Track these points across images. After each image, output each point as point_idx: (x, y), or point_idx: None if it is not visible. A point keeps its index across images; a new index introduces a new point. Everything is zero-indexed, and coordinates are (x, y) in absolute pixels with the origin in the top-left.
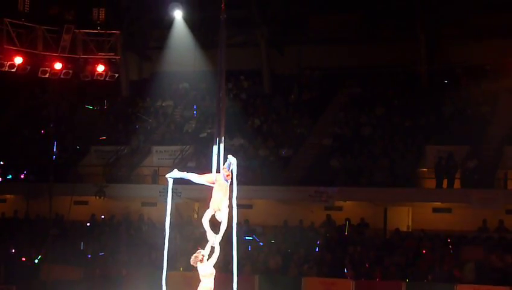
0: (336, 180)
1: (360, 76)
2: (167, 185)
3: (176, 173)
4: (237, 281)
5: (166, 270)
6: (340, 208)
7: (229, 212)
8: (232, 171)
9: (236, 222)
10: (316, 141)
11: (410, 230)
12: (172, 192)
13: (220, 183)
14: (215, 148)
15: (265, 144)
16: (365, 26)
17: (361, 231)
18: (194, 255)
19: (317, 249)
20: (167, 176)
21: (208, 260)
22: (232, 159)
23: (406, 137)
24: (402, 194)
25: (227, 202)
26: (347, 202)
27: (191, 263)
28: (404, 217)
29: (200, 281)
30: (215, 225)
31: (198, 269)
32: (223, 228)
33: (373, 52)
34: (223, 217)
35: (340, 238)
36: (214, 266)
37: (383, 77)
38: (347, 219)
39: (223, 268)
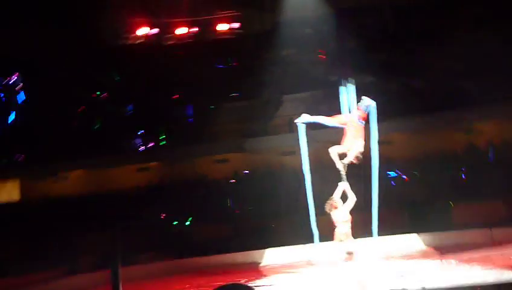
0: (472, 101)
1: None
2: (300, 131)
3: (305, 117)
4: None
5: (312, 215)
6: (480, 131)
7: (362, 152)
8: (368, 112)
9: (376, 160)
10: (445, 66)
11: None
12: (308, 138)
13: (354, 124)
14: (342, 89)
15: (394, 77)
16: None
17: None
18: (328, 202)
19: (463, 176)
20: (296, 121)
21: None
22: (368, 101)
23: None
24: None
25: (362, 142)
26: (487, 122)
27: (326, 210)
28: None
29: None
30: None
31: (332, 215)
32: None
33: None
34: (353, 157)
35: (485, 162)
36: (349, 212)
37: None
38: (489, 142)
39: (364, 208)
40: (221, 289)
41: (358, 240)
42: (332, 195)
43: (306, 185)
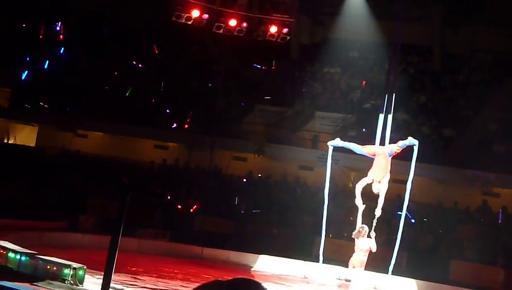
0: (497, 166)
1: None
2: (327, 152)
3: (338, 142)
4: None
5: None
6: (497, 195)
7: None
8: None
9: (407, 200)
10: (480, 125)
11: None
12: (331, 159)
13: (385, 157)
14: (380, 120)
15: (428, 121)
16: None
17: None
18: (358, 229)
19: (469, 234)
20: (329, 143)
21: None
22: (414, 141)
23: None
24: None
25: (388, 176)
26: (505, 189)
27: (353, 236)
28: None
29: (354, 252)
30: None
31: (356, 242)
32: (381, 201)
33: None
34: (381, 190)
35: (494, 225)
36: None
37: None
38: (503, 207)
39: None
40: (236, 282)
41: (367, 272)
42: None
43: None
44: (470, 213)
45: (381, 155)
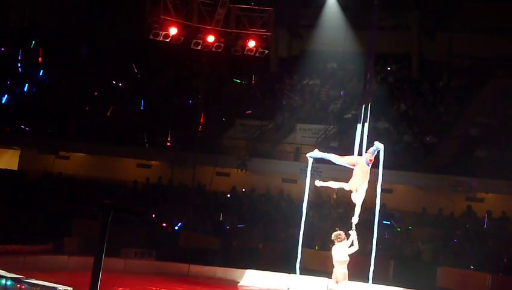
0: (480, 171)
1: None
2: (309, 165)
3: (316, 153)
4: (373, 264)
5: (302, 247)
6: (481, 200)
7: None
8: (378, 156)
9: (378, 206)
10: (461, 130)
11: None
12: (313, 171)
13: (362, 167)
14: (358, 130)
15: (410, 129)
16: None
17: (501, 225)
18: (337, 232)
19: (455, 240)
20: (308, 155)
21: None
22: (379, 146)
23: None
24: None
25: (366, 186)
26: (489, 194)
27: (332, 237)
28: None
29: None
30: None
31: (333, 253)
32: (357, 209)
33: None
34: (358, 199)
35: (480, 230)
36: (349, 255)
37: None
38: (488, 212)
39: (360, 251)
40: None
41: (351, 283)
42: (331, 230)
43: (301, 217)
44: (454, 219)
45: (359, 165)
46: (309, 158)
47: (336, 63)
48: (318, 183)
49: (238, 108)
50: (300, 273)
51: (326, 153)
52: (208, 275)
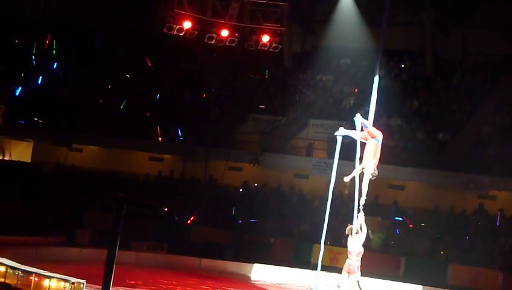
0: (491, 169)
1: None
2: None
3: (342, 131)
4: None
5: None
6: (493, 197)
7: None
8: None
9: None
10: (474, 128)
11: None
12: (325, 166)
13: (370, 141)
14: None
15: (422, 126)
16: None
17: None
18: (350, 226)
19: (467, 237)
20: (336, 134)
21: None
22: (358, 119)
23: None
24: None
25: (372, 161)
26: (502, 192)
27: (346, 231)
28: None
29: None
30: None
31: (348, 245)
32: (364, 189)
33: None
34: (365, 177)
35: (492, 228)
36: (362, 245)
37: None
38: (500, 209)
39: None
40: None
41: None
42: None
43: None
44: (466, 217)
45: (369, 140)
46: (338, 137)
47: (350, 59)
48: (346, 178)
49: (251, 103)
50: (315, 269)
51: (349, 130)
52: (219, 269)
